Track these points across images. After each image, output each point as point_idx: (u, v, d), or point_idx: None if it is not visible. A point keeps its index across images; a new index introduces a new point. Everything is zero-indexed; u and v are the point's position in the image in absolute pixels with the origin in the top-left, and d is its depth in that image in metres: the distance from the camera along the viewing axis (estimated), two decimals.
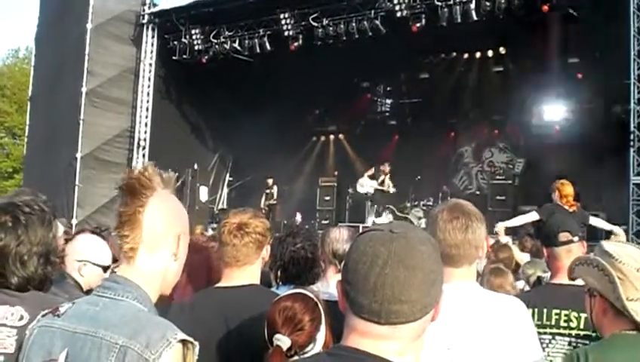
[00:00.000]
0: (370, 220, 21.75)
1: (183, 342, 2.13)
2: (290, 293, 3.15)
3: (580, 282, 4.06)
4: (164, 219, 2.31)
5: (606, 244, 2.94)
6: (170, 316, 3.65)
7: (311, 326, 2.95)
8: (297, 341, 2.90)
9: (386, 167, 22.72)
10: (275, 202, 24.66)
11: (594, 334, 3.77)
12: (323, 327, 2.99)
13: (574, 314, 3.80)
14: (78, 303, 2.28)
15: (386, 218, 22.05)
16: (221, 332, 3.56)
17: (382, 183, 22.53)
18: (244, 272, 3.73)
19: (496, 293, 3.32)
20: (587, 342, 3.63)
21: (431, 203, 22.80)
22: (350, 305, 1.85)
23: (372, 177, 22.94)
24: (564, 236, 4.13)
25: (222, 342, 3.54)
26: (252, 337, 3.09)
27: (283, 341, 2.88)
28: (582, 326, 3.81)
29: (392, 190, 22.63)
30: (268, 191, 24.91)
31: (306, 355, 2.89)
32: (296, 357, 2.87)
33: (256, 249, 3.74)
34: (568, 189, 10.46)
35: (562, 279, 4.10)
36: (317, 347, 2.94)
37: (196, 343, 2.18)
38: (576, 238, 4.10)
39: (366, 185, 22.81)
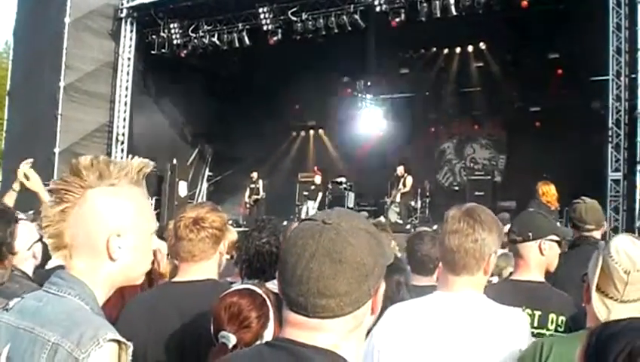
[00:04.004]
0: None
1: (119, 342, 2.07)
2: (236, 289, 3.07)
3: (537, 278, 4.03)
4: (88, 224, 2.22)
5: (619, 237, 2.88)
6: (127, 311, 3.62)
7: (257, 324, 2.88)
8: (243, 338, 2.82)
9: (401, 170, 22.59)
10: (260, 197, 24.47)
11: (548, 332, 3.74)
12: (271, 324, 2.92)
13: (528, 311, 3.76)
14: (26, 298, 2.25)
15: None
16: (176, 327, 3.52)
17: (404, 185, 22.39)
18: (201, 267, 3.69)
19: (500, 305, 3.20)
20: None
21: (412, 200, 22.88)
22: (283, 297, 1.84)
23: (392, 187, 22.83)
24: (511, 235, 4.11)
25: (177, 337, 3.51)
26: (207, 332, 3.02)
27: (228, 338, 2.81)
28: (535, 324, 3.77)
29: (409, 185, 22.54)
30: (253, 185, 24.69)
31: None
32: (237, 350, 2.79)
33: (213, 244, 3.68)
34: (546, 188, 10.59)
35: (519, 276, 4.10)
36: None
37: (129, 344, 2.13)
38: (519, 238, 4.05)
39: (396, 201, 22.63)
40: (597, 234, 5.82)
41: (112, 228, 2.22)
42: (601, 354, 1.84)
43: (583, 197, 6.11)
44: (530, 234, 4.04)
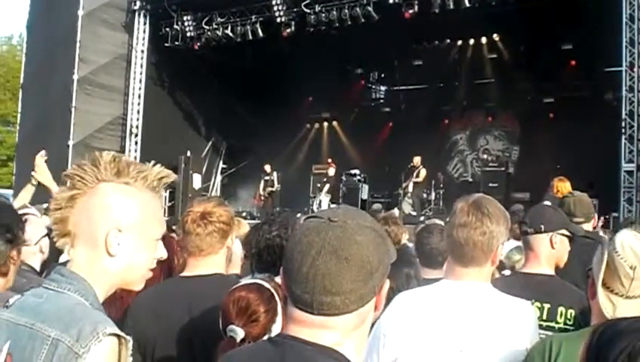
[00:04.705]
0: None
1: (118, 336, 2.08)
2: (245, 283, 3.09)
3: (547, 271, 4.03)
4: (93, 214, 2.22)
5: (623, 232, 2.83)
6: (135, 305, 3.64)
7: (265, 318, 2.88)
8: (251, 332, 2.83)
9: (417, 161, 22.56)
10: (275, 189, 24.49)
11: (557, 326, 3.73)
12: (279, 319, 2.92)
13: (537, 304, 3.75)
14: (26, 295, 2.25)
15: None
16: (185, 321, 3.53)
17: (418, 175, 22.38)
18: (209, 261, 3.69)
19: (506, 295, 3.21)
20: (550, 333, 3.58)
21: (425, 191, 22.88)
22: (288, 294, 1.85)
23: (406, 178, 22.79)
24: (523, 227, 4.11)
25: (185, 331, 3.51)
26: (216, 326, 3.03)
27: (236, 332, 2.82)
28: (544, 317, 3.76)
29: (422, 176, 22.51)
30: (267, 178, 24.70)
31: None
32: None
33: (221, 238, 3.68)
34: (561, 185, 10.58)
35: (529, 268, 4.10)
36: None
37: (129, 338, 2.13)
38: (531, 230, 4.06)
39: (408, 192, 22.59)
40: (587, 227, 5.79)
41: (114, 223, 2.22)
42: (602, 354, 1.85)
43: (573, 191, 6.13)
44: (542, 226, 4.04)
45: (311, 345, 1.78)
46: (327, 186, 23.79)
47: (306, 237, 1.80)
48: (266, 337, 2.83)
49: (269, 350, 1.87)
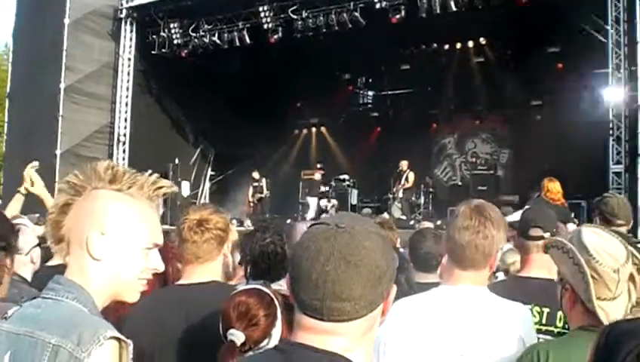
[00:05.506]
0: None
1: (119, 340, 2.08)
2: (245, 289, 3.10)
3: (545, 275, 4.02)
4: (81, 218, 2.25)
5: (586, 234, 2.80)
6: (133, 314, 3.62)
7: (265, 322, 2.91)
8: (252, 336, 2.85)
9: (404, 165, 22.56)
10: (264, 195, 24.48)
11: (556, 330, 3.72)
12: (279, 323, 2.94)
13: (537, 308, 3.75)
14: (25, 306, 2.26)
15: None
16: (182, 330, 3.52)
17: (407, 180, 22.40)
18: (205, 269, 3.69)
19: (503, 299, 3.23)
20: (549, 337, 3.59)
21: (414, 195, 22.91)
22: (296, 301, 1.82)
23: (395, 182, 22.83)
24: (534, 231, 4.09)
25: (183, 340, 3.50)
26: (214, 333, 3.04)
27: (237, 336, 2.84)
28: (544, 321, 3.76)
29: (411, 180, 22.53)
30: (256, 184, 24.66)
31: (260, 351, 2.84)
32: (250, 353, 2.81)
33: (217, 245, 3.69)
34: (551, 186, 10.60)
35: (529, 272, 4.09)
36: (273, 343, 2.88)
37: (129, 341, 2.13)
38: (547, 234, 4.04)
39: (398, 196, 22.59)
40: (624, 230, 5.75)
41: (98, 226, 2.24)
42: (609, 355, 1.84)
43: (612, 192, 6.10)
44: (555, 229, 4.06)
45: (320, 351, 1.77)
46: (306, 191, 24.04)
47: (314, 244, 1.78)
48: (265, 341, 2.87)
49: (276, 358, 1.86)
